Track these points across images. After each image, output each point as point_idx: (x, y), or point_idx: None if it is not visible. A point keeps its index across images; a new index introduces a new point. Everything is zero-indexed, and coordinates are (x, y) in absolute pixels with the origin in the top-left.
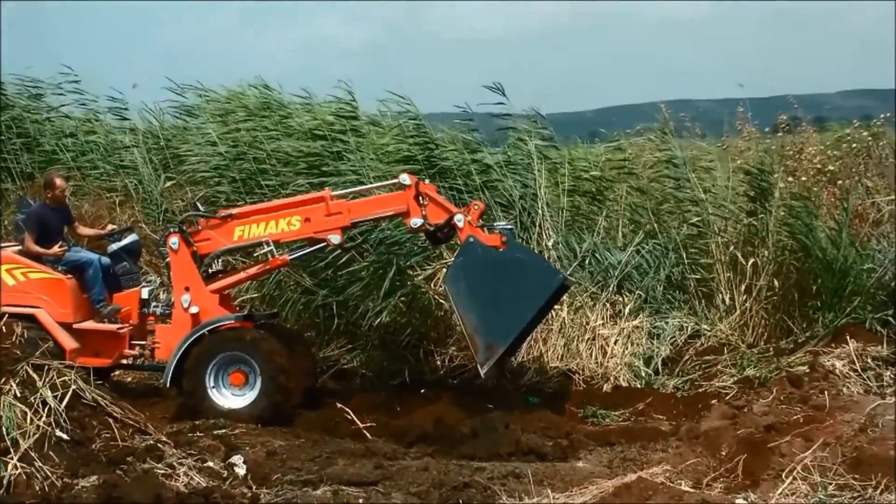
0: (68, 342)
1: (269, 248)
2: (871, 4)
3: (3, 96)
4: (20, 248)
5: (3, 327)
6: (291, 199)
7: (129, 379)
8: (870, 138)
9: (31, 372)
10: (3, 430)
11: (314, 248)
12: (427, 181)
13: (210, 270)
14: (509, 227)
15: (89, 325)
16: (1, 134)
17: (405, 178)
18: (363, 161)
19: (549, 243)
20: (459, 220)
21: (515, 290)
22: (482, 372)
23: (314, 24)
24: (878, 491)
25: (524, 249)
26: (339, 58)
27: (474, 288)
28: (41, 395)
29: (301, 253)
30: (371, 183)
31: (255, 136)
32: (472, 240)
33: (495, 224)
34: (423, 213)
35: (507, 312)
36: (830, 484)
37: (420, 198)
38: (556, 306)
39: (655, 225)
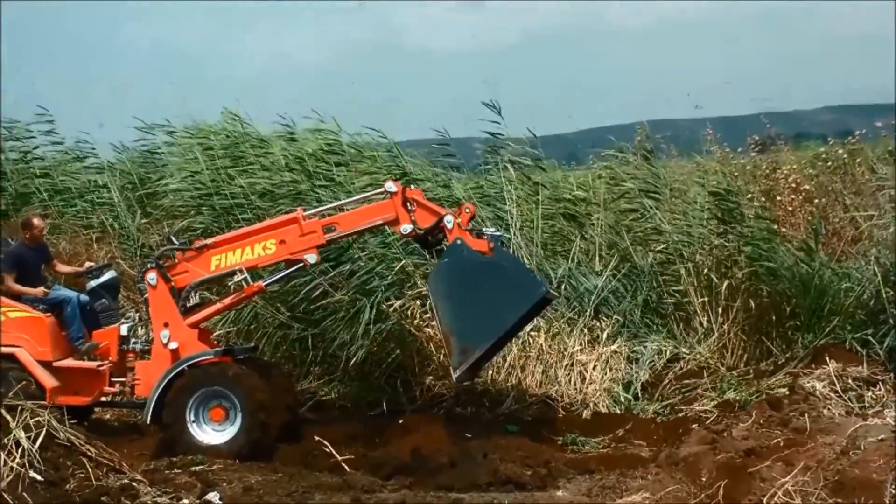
0: (48, 381)
1: (244, 276)
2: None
3: None
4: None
5: None
6: (265, 223)
7: (108, 416)
8: (846, 156)
9: (4, 413)
10: None
11: (291, 269)
12: (413, 187)
13: (188, 304)
14: (499, 234)
15: (69, 362)
16: None
17: (391, 186)
18: (339, 192)
19: None
20: (449, 221)
21: (497, 297)
22: (454, 375)
23: (277, 43)
24: None
25: (511, 258)
26: (299, 76)
27: (456, 290)
28: (14, 436)
29: (277, 277)
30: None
31: (227, 173)
32: (459, 242)
33: (485, 230)
34: (412, 218)
35: (486, 319)
36: None
37: (408, 204)
38: (532, 332)
39: (631, 248)
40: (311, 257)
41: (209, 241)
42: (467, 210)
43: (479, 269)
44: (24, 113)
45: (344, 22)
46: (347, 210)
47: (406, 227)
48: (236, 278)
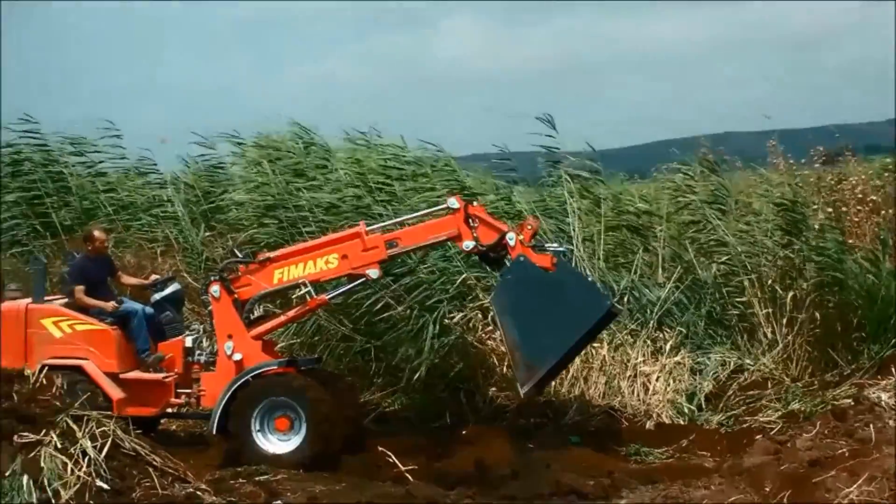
0: (115, 392)
1: (308, 290)
2: None
3: (49, 152)
4: (66, 300)
5: (44, 379)
6: (327, 238)
7: (174, 427)
8: None
9: (70, 423)
10: (45, 481)
11: (353, 284)
12: (476, 203)
13: (252, 316)
14: (562, 249)
15: (135, 374)
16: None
17: (453, 202)
18: (400, 206)
19: None
20: (511, 238)
21: (562, 312)
22: (521, 392)
23: (325, 67)
24: None
25: (575, 273)
26: (353, 100)
27: (520, 307)
28: (81, 445)
29: (340, 290)
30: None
31: (294, 186)
32: (522, 258)
33: (547, 245)
34: (475, 234)
35: (551, 335)
36: None
37: (470, 220)
38: (595, 343)
39: (694, 260)
40: (374, 272)
41: (272, 254)
42: (529, 226)
43: (542, 285)
44: (90, 129)
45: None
46: (410, 225)
47: (468, 244)
48: (300, 291)
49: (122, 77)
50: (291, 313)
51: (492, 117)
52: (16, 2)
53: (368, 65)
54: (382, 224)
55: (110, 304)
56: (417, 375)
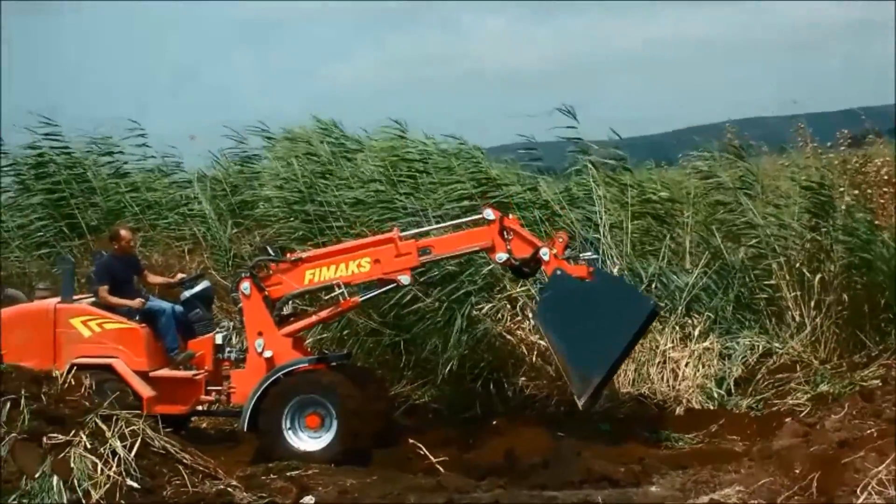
0: (145, 391)
1: (341, 291)
2: None
3: (70, 155)
4: (94, 299)
5: (73, 379)
6: (360, 241)
7: (205, 425)
8: None
9: (99, 423)
10: (75, 481)
11: (384, 288)
12: (511, 216)
13: (282, 314)
14: (595, 256)
15: (165, 372)
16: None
17: (489, 214)
18: (426, 200)
19: (615, 270)
20: (545, 254)
21: (607, 319)
22: (580, 404)
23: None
24: None
25: (613, 278)
26: (384, 96)
27: (565, 320)
28: (111, 445)
29: (371, 294)
30: (430, 220)
31: (321, 182)
32: (559, 273)
33: (581, 255)
34: (508, 247)
35: (600, 343)
36: None
37: (505, 232)
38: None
39: (722, 245)
40: (405, 278)
41: (304, 254)
42: (560, 239)
43: (583, 295)
44: (115, 129)
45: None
46: (444, 232)
47: (501, 256)
48: (333, 292)
49: (143, 77)
50: (324, 314)
51: (518, 111)
52: (17, 1)
53: (390, 64)
54: (417, 231)
55: (137, 302)
56: (449, 368)
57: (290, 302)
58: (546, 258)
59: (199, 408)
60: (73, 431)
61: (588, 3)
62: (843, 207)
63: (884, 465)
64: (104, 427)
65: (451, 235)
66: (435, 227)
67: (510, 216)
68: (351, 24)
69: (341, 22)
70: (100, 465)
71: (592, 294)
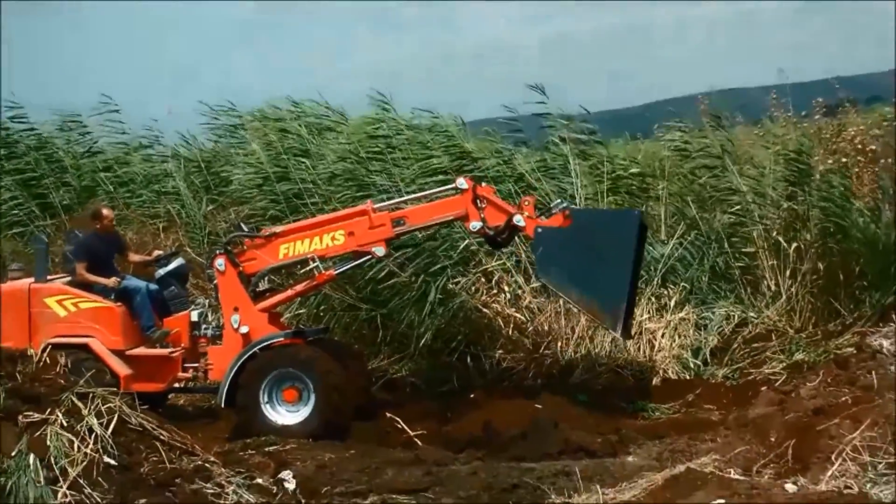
0: (122, 369)
1: (316, 265)
2: None
3: (40, 135)
4: (70, 279)
5: (48, 358)
6: (334, 214)
7: (182, 402)
8: None
9: (76, 401)
10: (52, 459)
11: (359, 261)
12: (485, 185)
13: (257, 290)
14: (565, 203)
15: (141, 350)
16: (37, 170)
17: (462, 183)
18: (401, 175)
19: None
20: (519, 220)
21: (603, 249)
22: (619, 334)
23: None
24: None
25: (589, 211)
26: (369, 75)
27: (567, 269)
28: (87, 422)
29: (346, 267)
30: (405, 194)
31: (295, 159)
32: (540, 230)
33: (552, 206)
34: (482, 216)
35: (608, 272)
36: (880, 463)
37: (478, 201)
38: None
39: (697, 216)
40: (380, 250)
41: (278, 229)
42: (527, 202)
43: (572, 238)
44: (86, 107)
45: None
46: (418, 204)
47: (475, 224)
48: (308, 266)
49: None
50: (299, 288)
51: (505, 86)
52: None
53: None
54: (391, 202)
55: (112, 281)
56: (423, 341)
57: (266, 277)
58: (522, 223)
59: (177, 385)
60: (49, 410)
61: None
62: (818, 176)
63: (858, 432)
64: (80, 405)
65: (424, 205)
66: (408, 197)
67: (483, 185)
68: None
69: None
70: (76, 443)
71: (579, 234)
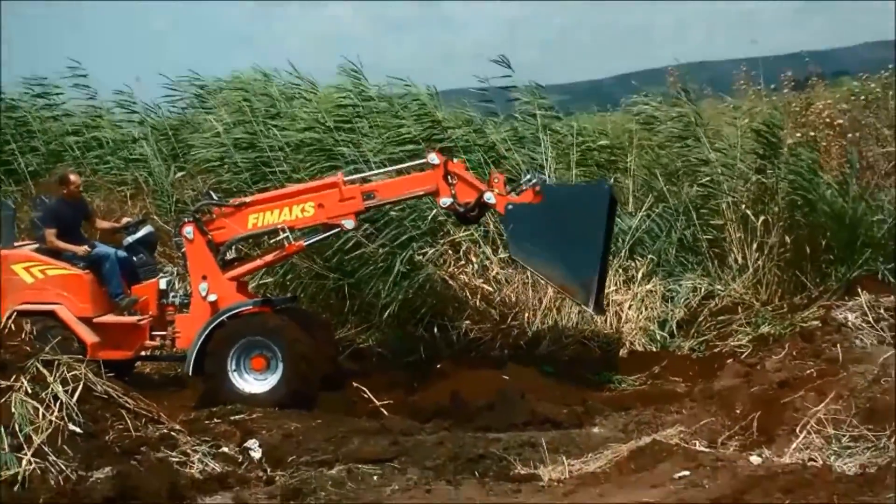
0: (89, 337)
1: (286, 235)
2: None
3: (6, 99)
4: (37, 245)
5: (13, 324)
6: (304, 186)
7: (148, 370)
8: (878, 90)
9: (41, 368)
10: (16, 426)
11: (328, 233)
12: (456, 160)
13: (225, 258)
14: (534, 179)
15: (109, 318)
16: (3, 135)
17: (434, 158)
18: (369, 144)
19: None
20: (490, 197)
21: (575, 223)
22: (591, 310)
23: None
24: (893, 440)
25: (559, 186)
26: (345, 42)
27: (539, 244)
28: (52, 390)
29: (316, 238)
30: (371, 166)
31: (263, 127)
32: (511, 206)
33: (522, 182)
34: (453, 192)
35: (579, 246)
36: (844, 436)
37: (449, 177)
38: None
39: (665, 188)
40: (349, 223)
41: (248, 199)
42: (496, 178)
43: (543, 214)
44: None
45: None
46: (389, 177)
47: (445, 200)
48: (279, 237)
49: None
50: (269, 258)
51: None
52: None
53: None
54: (362, 174)
55: (82, 249)
56: (389, 311)
57: (234, 247)
58: (492, 200)
59: (144, 353)
60: (13, 377)
61: None
62: (787, 150)
63: (823, 405)
64: (46, 372)
65: (395, 180)
66: (380, 171)
67: (455, 160)
68: None
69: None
70: (41, 410)
71: (550, 208)
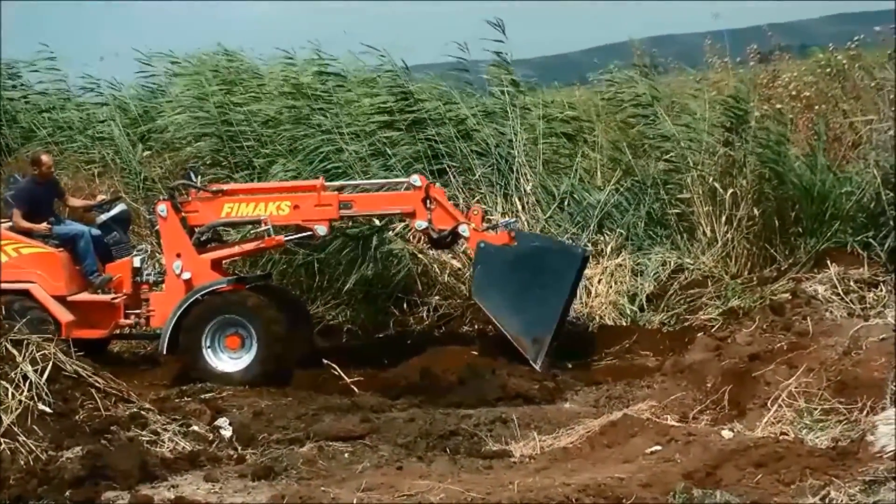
0: (64, 315)
1: (267, 228)
2: None
3: None
4: (10, 224)
5: None
6: (284, 184)
7: (118, 349)
8: (845, 62)
9: (10, 347)
10: None
11: (299, 235)
12: (437, 186)
13: (201, 239)
14: (513, 221)
15: (84, 296)
16: None
17: (416, 180)
18: (338, 118)
19: (528, 188)
20: (464, 230)
21: (542, 278)
22: (537, 366)
23: None
24: (864, 413)
25: (536, 237)
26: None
27: (502, 290)
28: (21, 369)
29: (296, 236)
30: (342, 138)
31: (229, 101)
32: (483, 245)
33: (499, 223)
34: (429, 217)
35: (541, 304)
36: (816, 409)
37: (428, 201)
38: None
39: (632, 162)
40: (322, 229)
41: (226, 186)
42: (475, 212)
43: (513, 261)
44: (24, 50)
45: None
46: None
47: (420, 224)
48: (260, 228)
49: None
50: (248, 247)
51: (458, 25)
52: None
53: None
54: (343, 183)
55: (42, 226)
56: (351, 283)
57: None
58: (466, 234)
59: (118, 331)
60: None
61: None
62: (754, 122)
63: (794, 378)
64: (14, 352)
65: (374, 195)
66: (363, 182)
67: (437, 186)
68: None
69: None
70: (10, 390)
71: (521, 258)
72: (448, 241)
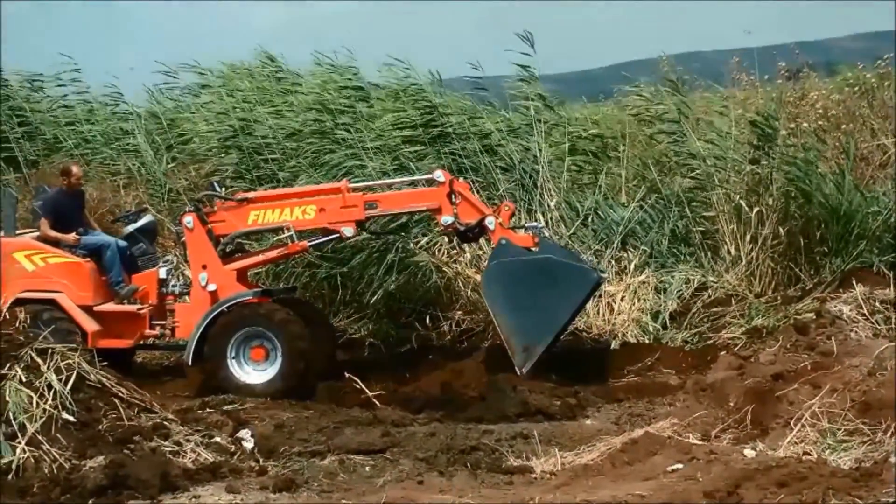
0: (89, 325)
1: (290, 234)
2: None
3: (4, 88)
4: (38, 234)
5: (7, 313)
6: (308, 188)
7: (142, 359)
8: (873, 80)
9: (35, 357)
10: (10, 414)
11: (326, 238)
12: (461, 180)
13: (226, 251)
14: (540, 225)
15: (109, 307)
16: (2, 124)
17: (439, 175)
18: (364, 132)
19: (552, 203)
20: (490, 222)
21: (551, 291)
22: (521, 373)
23: None
24: (888, 434)
25: (557, 248)
26: (334, 23)
27: (510, 291)
28: (46, 378)
29: (320, 240)
30: (366, 152)
31: (255, 112)
32: (504, 242)
33: (526, 224)
34: (455, 211)
35: (543, 314)
36: (839, 430)
37: (453, 196)
38: None
39: (658, 179)
40: (348, 230)
41: (251, 195)
42: (507, 208)
43: (528, 266)
44: (47, 62)
45: None
46: (394, 189)
47: (447, 219)
48: (283, 234)
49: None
50: (272, 254)
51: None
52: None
53: None
54: (367, 183)
55: (71, 237)
56: (377, 297)
57: (236, 241)
58: (492, 227)
59: (144, 342)
60: (7, 365)
61: None
62: (780, 141)
63: (817, 398)
64: (39, 361)
65: (399, 192)
66: (386, 181)
67: (461, 180)
68: None
69: None
70: (35, 399)
71: (537, 265)
72: (475, 233)
